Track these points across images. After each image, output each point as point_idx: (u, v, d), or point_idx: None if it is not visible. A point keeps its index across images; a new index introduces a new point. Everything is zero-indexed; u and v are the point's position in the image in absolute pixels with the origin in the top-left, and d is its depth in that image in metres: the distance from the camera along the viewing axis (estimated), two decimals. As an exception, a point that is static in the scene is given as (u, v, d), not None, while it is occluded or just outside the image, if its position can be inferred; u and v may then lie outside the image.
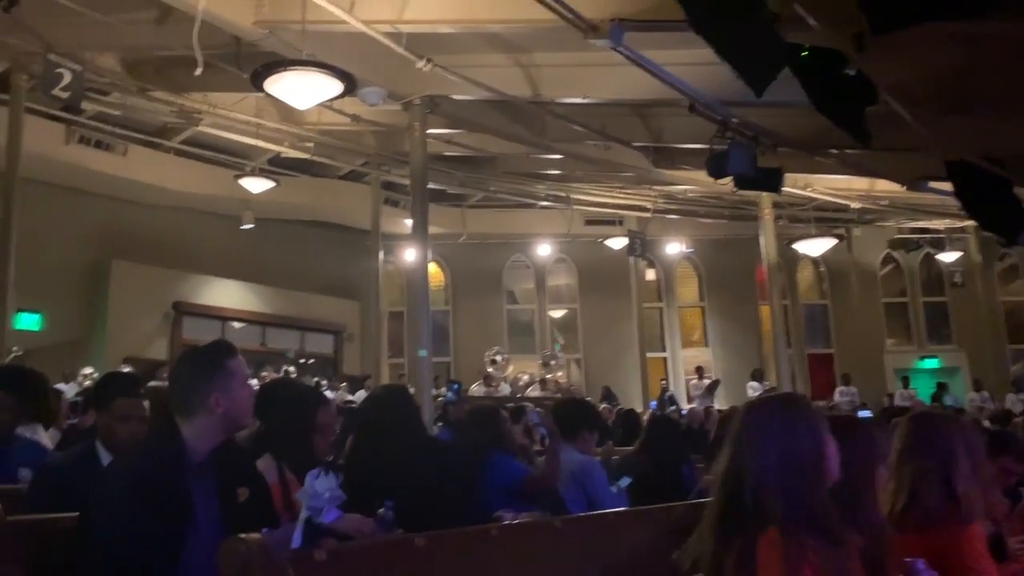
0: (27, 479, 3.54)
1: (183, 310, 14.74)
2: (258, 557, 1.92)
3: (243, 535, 1.97)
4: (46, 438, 4.89)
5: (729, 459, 1.87)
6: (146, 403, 3.28)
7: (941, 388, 16.90)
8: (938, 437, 2.51)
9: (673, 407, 14.70)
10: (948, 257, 19.20)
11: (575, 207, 17.31)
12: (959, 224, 17.75)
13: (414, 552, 2.45)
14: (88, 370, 10.55)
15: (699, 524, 1.90)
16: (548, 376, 15.68)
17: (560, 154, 12.84)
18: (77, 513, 2.37)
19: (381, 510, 2.79)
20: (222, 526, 2.32)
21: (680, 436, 5.03)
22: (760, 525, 1.74)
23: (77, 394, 8.38)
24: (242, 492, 2.45)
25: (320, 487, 2.35)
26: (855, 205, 15.79)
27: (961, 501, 2.39)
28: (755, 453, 1.83)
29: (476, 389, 14.61)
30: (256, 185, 13.99)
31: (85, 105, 11.76)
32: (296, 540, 2.29)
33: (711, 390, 14.94)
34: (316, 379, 13.44)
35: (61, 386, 9.78)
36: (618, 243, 17.70)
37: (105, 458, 3.04)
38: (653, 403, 16.03)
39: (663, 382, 18.07)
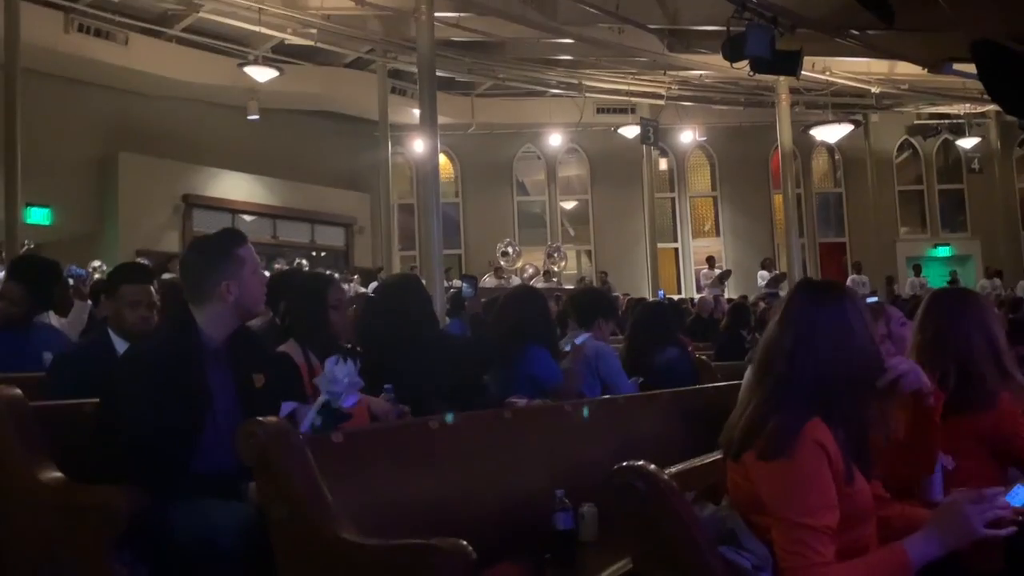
0: (49, 361, 3.63)
1: (193, 202, 14.71)
2: (275, 439, 1.96)
3: (260, 418, 2.00)
4: (63, 325, 5.00)
5: (778, 340, 1.82)
6: (154, 289, 3.30)
7: (954, 277, 16.85)
8: (956, 314, 2.47)
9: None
10: (967, 143, 18.84)
11: (587, 95, 16.92)
12: (979, 109, 17.34)
13: (428, 434, 2.50)
14: (96, 263, 10.60)
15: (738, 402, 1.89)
16: (553, 268, 15.73)
17: (572, 38, 12.46)
18: (97, 399, 2.42)
19: (382, 395, 2.85)
20: (239, 411, 2.36)
21: (660, 320, 5.04)
22: (791, 397, 1.74)
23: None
24: (258, 378, 2.49)
25: (339, 373, 2.39)
26: (874, 89, 15.40)
27: (987, 380, 2.38)
28: (805, 328, 1.79)
29: (487, 281, 14.69)
30: (261, 74, 13.72)
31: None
32: (305, 424, 2.34)
33: (722, 280, 14.95)
34: (328, 271, 13.52)
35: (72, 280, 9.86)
36: (630, 132, 17.38)
37: (119, 345, 3.09)
38: (661, 292, 16.14)
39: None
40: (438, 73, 11.27)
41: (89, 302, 5.29)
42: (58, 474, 2.21)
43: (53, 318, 5.22)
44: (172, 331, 2.48)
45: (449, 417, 2.56)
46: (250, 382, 2.48)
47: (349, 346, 2.99)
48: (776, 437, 1.68)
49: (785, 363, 1.77)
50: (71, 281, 5.60)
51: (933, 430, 2.10)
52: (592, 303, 4.46)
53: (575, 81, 16.42)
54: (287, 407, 2.39)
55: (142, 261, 7.65)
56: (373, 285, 13.16)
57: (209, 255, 2.47)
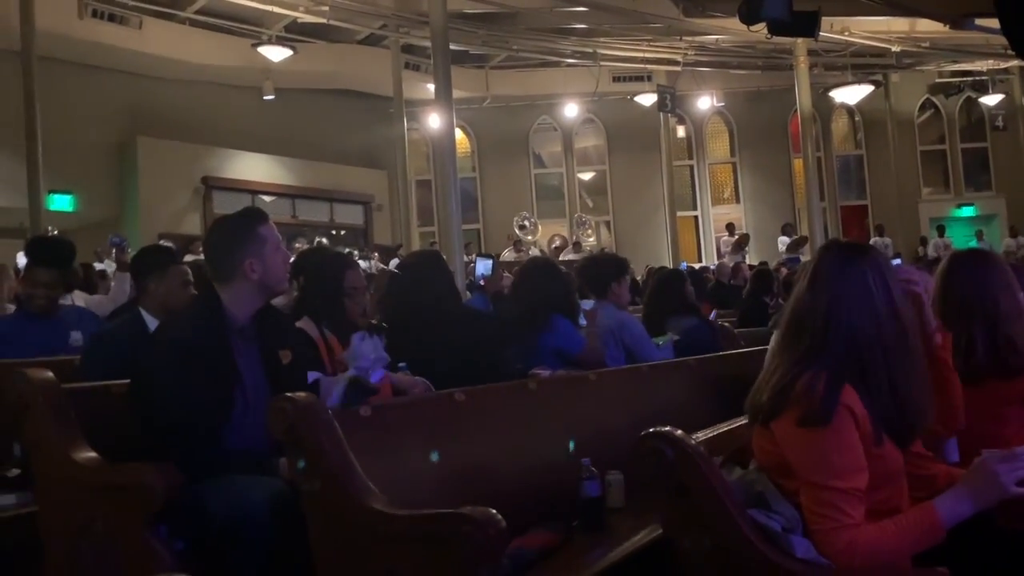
0: (78, 341, 3.68)
1: (212, 184, 14.78)
2: (305, 414, 1.98)
3: (290, 394, 2.03)
4: (101, 301, 5.03)
5: (809, 303, 1.80)
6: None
7: (979, 236, 16.64)
8: (981, 277, 2.43)
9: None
10: (990, 100, 18.53)
11: (602, 64, 16.75)
12: (1003, 65, 17.01)
13: (454, 406, 2.52)
14: (113, 265, 10.69)
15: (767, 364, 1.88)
16: (583, 238, 15.67)
17: (585, 6, 12.36)
18: (128, 380, 2.46)
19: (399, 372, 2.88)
20: (268, 387, 2.39)
21: (677, 288, 5.05)
22: (821, 360, 1.73)
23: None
24: (284, 354, 2.52)
25: (366, 349, 2.42)
26: (895, 48, 15.14)
27: (1017, 344, 2.34)
28: (837, 289, 1.78)
29: (507, 254, 14.69)
30: (275, 53, 13.71)
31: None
32: (335, 398, 2.37)
33: (741, 245, 14.86)
34: (348, 250, 13.57)
35: (98, 264, 9.96)
36: (647, 100, 17.21)
37: (152, 324, 3.13)
38: (684, 264, 16.03)
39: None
40: (451, 47, 11.19)
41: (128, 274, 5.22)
42: (93, 454, 2.25)
43: (79, 297, 5.26)
44: (199, 310, 2.50)
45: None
46: (277, 359, 2.50)
47: (374, 322, 3.02)
48: (819, 407, 1.67)
49: (819, 326, 1.76)
50: (113, 251, 5.47)
51: (952, 385, 2.09)
52: (600, 269, 4.40)
53: (590, 50, 16.26)
54: (311, 376, 2.44)
55: (166, 243, 7.72)
56: (395, 262, 13.22)
57: (231, 234, 2.49)
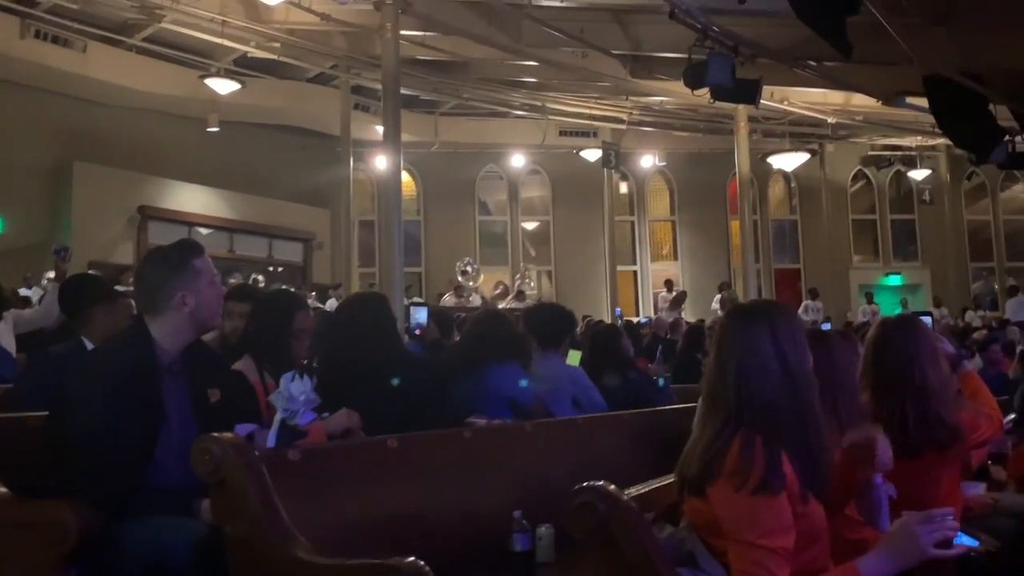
0: None
1: (149, 214, 14.46)
2: (231, 456, 1.93)
3: (216, 434, 1.97)
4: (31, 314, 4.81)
5: (716, 370, 1.86)
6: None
7: (904, 305, 17.23)
8: (911, 352, 2.52)
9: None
10: (918, 175, 19.36)
11: (550, 117, 17.06)
12: (931, 142, 17.85)
13: (386, 453, 2.48)
14: (52, 274, 10.34)
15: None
16: (524, 289, 15.73)
17: (536, 61, 12.58)
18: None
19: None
20: (194, 426, 2.32)
21: (616, 344, 5.11)
22: (743, 426, 1.76)
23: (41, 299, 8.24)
24: (212, 393, 2.45)
25: (295, 390, 2.36)
26: (830, 120, 15.76)
27: (945, 418, 2.43)
28: (742, 355, 1.83)
29: (447, 299, 14.65)
30: (222, 86, 13.58)
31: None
32: (271, 441, 2.31)
33: (678, 302, 15.12)
34: (285, 287, 13.37)
35: (24, 290, 9.63)
36: (592, 155, 17.55)
37: None
38: (618, 309, 16.29)
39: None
40: (402, 91, 11.27)
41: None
42: (3, 489, 2.14)
43: (8, 316, 5.00)
44: (128, 342, 2.42)
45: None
46: (205, 397, 2.44)
47: (305, 362, 2.96)
48: (765, 476, 1.70)
49: (731, 392, 1.81)
50: (55, 258, 5.12)
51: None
52: (559, 322, 4.39)
53: (538, 103, 16.54)
54: (245, 428, 2.36)
55: (94, 273, 7.49)
56: (331, 302, 13.06)
57: (164, 265, 2.43)
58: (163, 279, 2.39)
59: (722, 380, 1.83)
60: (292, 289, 12.82)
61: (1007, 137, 10.05)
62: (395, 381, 2.60)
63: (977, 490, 3.18)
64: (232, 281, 12.77)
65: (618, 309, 16.51)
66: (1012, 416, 3.88)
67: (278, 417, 2.37)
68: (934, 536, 1.70)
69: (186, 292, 2.37)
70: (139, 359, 2.32)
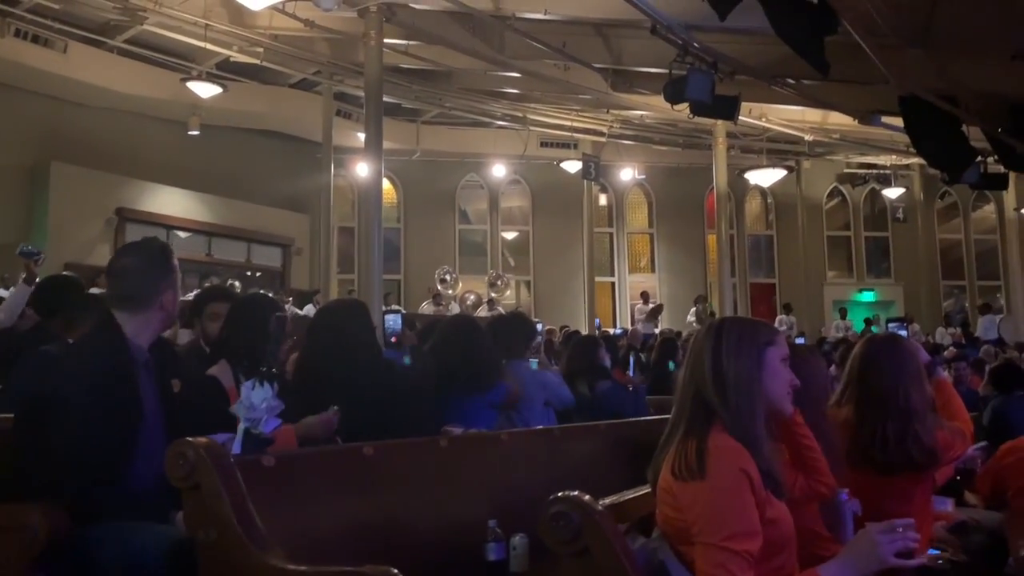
0: None
1: (127, 216, 14.33)
2: (206, 461, 1.92)
3: (190, 439, 1.96)
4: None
5: (689, 370, 1.94)
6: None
7: (875, 321, 17.43)
8: (896, 371, 2.58)
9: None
10: (892, 193, 19.63)
11: (531, 128, 17.12)
12: (905, 161, 18.10)
13: (363, 460, 2.48)
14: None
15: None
16: (495, 296, 15.79)
17: (518, 72, 12.62)
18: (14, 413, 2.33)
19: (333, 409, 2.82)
20: (163, 422, 2.34)
21: (593, 354, 5.20)
22: (711, 428, 1.83)
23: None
24: (175, 383, 2.48)
25: (256, 399, 2.35)
26: (807, 137, 15.94)
27: (923, 438, 2.49)
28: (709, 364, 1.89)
29: (425, 307, 14.64)
30: (204, 89, 13.51)
31: (20, -5, 11.14)
32: (235, 451, 2.31)
33: (655, 314, 15.20)
34: (262, 292, 13.29)
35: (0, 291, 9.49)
36: (572, 167, 17.63)
37: None
38: (597, 321, 16.36)
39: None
40: (385, 99, 11.27)
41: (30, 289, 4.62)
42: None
43: None
44: (104, 341, 2.38)
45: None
46: (170, 388, 2.45)
47: (264, 369, 2.94)
48: (692, 457, 1.77)
49: (697, 398, 1.89)
50: (25, 262, 4.95)
51: (814, 452, 2.27)
52: (522, 330, 4.52)
53: (520, 114, 16.60)
54: (221, 437, 2.35)
55: (68, 274, 7.40)
56: (309, 308, 13.00)
57: (152, 263, 2.43)
58: (153, 277, 2.40)
59: (686, 388, 1.91)
60: (269, 293, 12.78)
61: (979, 158, 10.23)
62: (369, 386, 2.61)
63: (946, 506, 3.23)
64: (207, 285, 12.68)
65: (597, 320, 16.60)
66: (982, 443, 3.96)
67: (241, 427, 2.36)
68: (895, 546, 1.74)
69: (172, 291, 2.41)
70: (119, 357, 2.32)
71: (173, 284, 2.42)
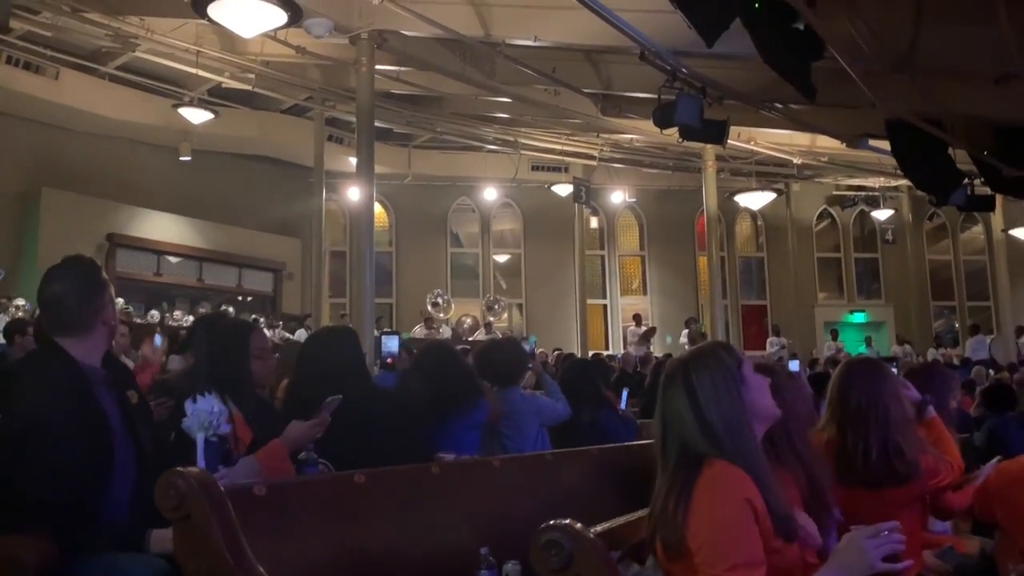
0: None
1: (118, 242, 14.32)
2: (196, 491, 1.91)
3: (180, 468, 1.95)
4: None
5: (668, 428, 1.93)
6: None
7: (868, 342, 17.50)
8: (875, 388, 2.62)
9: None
10: (881, 215, 19.76)
11: (522, 152, 17.21)
12: (893, 183, 18.24)
13: (353, 488, 2.47)
14: (21, 301, 10.21)
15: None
16: (492, 320, 15.78)
17: (509, 97, 12.71)
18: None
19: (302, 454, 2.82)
20: (123, 428, 2.33)
21: (588, 379, 5.15)
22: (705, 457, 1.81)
23: (6, 325, 8.09)
24: (131, 395, 2.47)
25: (203, 408, 2.39)
26: (796, 160, 16.05)
27: (905, 452, 2.52)
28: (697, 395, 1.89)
29: (417, 331, 14.62)
30: (195, 115, 13.55)
31: (13, 23, 11.15)
32: (200, 463, 2.31)
33: (647, 337, 15.22)
34: (254, 316, 13.27)
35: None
36: (563, 190, 17.71)
37: None
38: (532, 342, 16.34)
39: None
40: (376, 124, 11.33)
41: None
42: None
43: None
44: (55, 367, 2.33)
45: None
46: (127, 399, 2.44)
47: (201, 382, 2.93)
48: (716, 499, 1.76)
49: (694, 426, 1.88)
50: None
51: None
52: (516, 359, 4.47)
53: (511, 138, 16.69)
54: (220, 475, 2.34)
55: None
56: (300, 332, 12.97)
57: (86, 285, 2.41)
58: (90, 298, 2.38)
59: (670, 423, 1.92)
60: (259, 319, 12.75)
61: (966, 180, 10.31)
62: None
63: (944, 527, 3.24)
64: (201, 311, 12.65)
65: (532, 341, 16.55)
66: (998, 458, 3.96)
67: (200, 440, 2.38)
68: (882, 550, 1.75)
69: (110, 306, 2.41)
70: (74, 381, 2.29)
71: (109, 298, 2.42)
